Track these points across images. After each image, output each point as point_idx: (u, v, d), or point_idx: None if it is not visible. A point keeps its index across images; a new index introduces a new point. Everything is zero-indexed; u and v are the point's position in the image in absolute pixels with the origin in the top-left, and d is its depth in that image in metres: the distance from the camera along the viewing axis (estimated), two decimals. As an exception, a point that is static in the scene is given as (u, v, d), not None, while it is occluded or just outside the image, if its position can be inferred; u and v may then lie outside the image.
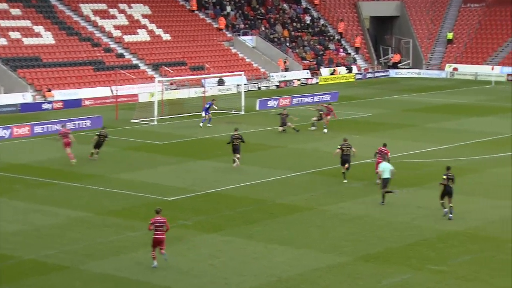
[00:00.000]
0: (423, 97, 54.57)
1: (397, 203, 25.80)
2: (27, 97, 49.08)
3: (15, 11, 56.66)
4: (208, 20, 66.54)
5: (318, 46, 68.57)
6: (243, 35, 65.49)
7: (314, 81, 63.25)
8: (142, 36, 60.78)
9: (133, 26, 61.28)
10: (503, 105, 49.83)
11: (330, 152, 33.16)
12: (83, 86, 52.36)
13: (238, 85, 55.58)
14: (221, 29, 65.57)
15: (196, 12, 66.70)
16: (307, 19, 71.55)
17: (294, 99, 50.56)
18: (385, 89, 59.60)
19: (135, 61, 58.06)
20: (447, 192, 24.09)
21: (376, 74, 68.30)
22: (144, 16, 63.00)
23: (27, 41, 54.68)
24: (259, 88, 59.00)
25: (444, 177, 24.17)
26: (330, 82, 63.97)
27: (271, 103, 49.25)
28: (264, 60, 63.76)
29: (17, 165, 31.78)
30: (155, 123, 42.80)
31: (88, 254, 20.74)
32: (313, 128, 39.96)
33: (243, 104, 46.64)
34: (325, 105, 41.93)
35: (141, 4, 63.89)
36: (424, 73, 68.86)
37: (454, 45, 71.14)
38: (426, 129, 40.58)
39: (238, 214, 24.68)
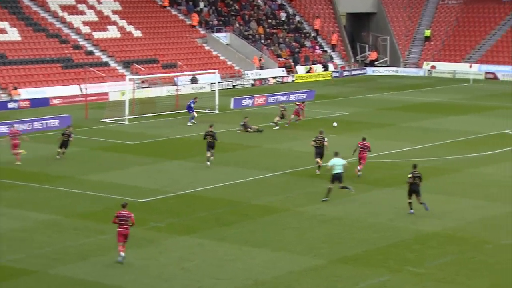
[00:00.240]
0: (401, 95, 54.97)
1: (374, 203, 25.96)
2: (-8, 95, 48.60)
3: (-20, 7, 56.09)
4: (181, 17, 66.38)
5: (293, 43, 68.75)
6: (216, 32, 65.43)
7: (290, 79, 63.41)
8: (112, 32, 60.44)
9: (103, 22, 60.90)
10: (481, 103, 50.39)
11: (306, 152, 33.28)
12: (51, 85, 51.94)
13: (211, 83, 55.50)
14: (194, 26, 65.45)
15: (168, 8, 66.50)
16: (283, 15, 71.69)
17: (269, 97, 50.62)
18: (362, 87, 59.94)
19: (105, 58, 57.71)
20: (413, 191, 24.44)
21: (353, 72, 68.67)
22: (114, 12, 62.65)
23: (-8, 37, 54.16)
24: (234, 86, 59.01)
25: (410, 175, 24.52)
26: (306, 80, 64.18)
27: (245, 102, 49.27)
28: (239, 58, 63.77)
29: (-18, 166, 31.44)
30: (126, 122, 42.60)
31: (57, 258, 20.59)
32: (276, 127, 40.29)
33: (217, 103, 46.60)
34: (299, 103, 42.23)
35: (111, 0, 63.54)
36: (402, 71, 69.37)
37: (432, 43, 71.77)
38: (403, 128, 40.89)
39: (212, 216, 24.66)
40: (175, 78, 55.16)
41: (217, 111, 45.89)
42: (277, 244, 21.83)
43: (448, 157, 33.25)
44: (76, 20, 59.67)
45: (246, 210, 25.37)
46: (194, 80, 57.66)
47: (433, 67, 68.49)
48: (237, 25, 67.59)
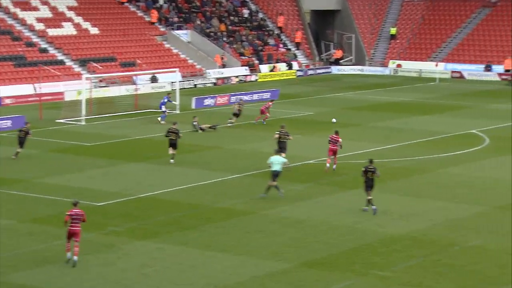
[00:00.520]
0: (366, 95, 55.48)
1: (340, 205, 26.17)
2: None
3: None
4: (140, 13, 66.05)
5: (256, 41, 68.88)
6: (177, 29, 65.26)
7: (253, 78, 63.53)
8: (67, 29, 59.87)
9: (57, 18, 60.30)
10: (448, 103, 51.11)
11: (270, 153, 33.37)
12: (2, 84, 51.27)
13: (172, 82, 55.31)
14: (153, 23, 65.17)
15: (126, 4, 66.12)
16: (245, 12, 71.79)
17: (232, 97, 50.65)
18: (327, 86, 60.33)
19: (60, 56, 57.14)
20: (367, 186, 24.99)
21: (318, 71, 69.08)
22: (70, 8, 62.08)
23: None
24: (195, 85, 58.93)
25: (363, 169, 25.12)
26: (269, 79, 64.37)
27: (207, 102, 49.24)
28: (200, 56, 63.68)
29: None
30: (83, 123, 42.26)
31: (12, 265, 20.35)
32: (230, 122, 41.14)
33: (177, 102, 46.48)
34: (269, 103, 42.44)
35: (67, -5, 63.02)
36: (367, 69, 70.00)
37: (398, 41, 72.53)
38: (369, 128, 41.26)
39: (173, 220, 24.60)
40: (134, 77, 54.86)
41: (178, 111, 45.77)
42: (240, 249, 21.87)
43: (415, 158, 33.66)
44: (29, 17, 58.97)
45: (208, 214, 25.36)
46: (154, 79, 57.43)
47: (399, 65, 69.23)
48: (198, 22, 67.49)
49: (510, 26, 69.27)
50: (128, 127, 41.48)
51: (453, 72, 66.25)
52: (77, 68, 56.54)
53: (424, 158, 33.62)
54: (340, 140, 30.65)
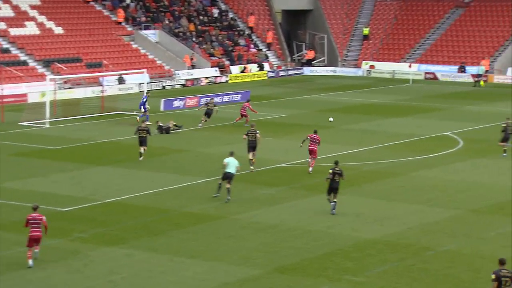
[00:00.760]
0: (339, 96, 55.75)
1: (312, 210, 26.25)
2: None
3: None
4: (106, 12, 65.71)
5: (227, 41, 68.90)
6: (144, 29, 65.02)
7: (223, 79, 63.52)
8: (30, 29, 59.34)
9: (20, 18, 59.74)
10: (422, 104, 51.55)
11: (241, 157, 33.38)
12: (-37, 85, 50.66)
13: (140, 83, 55.13)
14: (120, 22, 64.87)
15: (92, 3, 65.74)
16: (215, 12, 71.77)
17: (202, 99, 50.58)
18: (299, 88, 60.53)
19: (23, 57, 56.61)
20: (333, 188, 25.36)
21: (290, 72, 69.28)
22: (33, 7, 61.54)
23: None
24: (164, 87, 58.76)
25: (330, 171, 25.41)
26: (240, 80, 64.42)
27: (176, 104, 49.13)
28: (169, 57, 63.52)
29: None
30: (47, 125, 41.92)
31: (-28, 274, 20.10)
32: (200, 124, 41.60)
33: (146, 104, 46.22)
34: (246, 103, 42.64)
35: (30, -7, 62.51)
36: (340, 71, 70.36)
37: (371, 41, 73.02)
38: (342, 130, 41.46)
39: (141, 225, 24.50)
40: (100, 78, 54.56)
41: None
42: (211, 254, 21.84)
43: (389, 161, 33.89)
44: (-10, 16, 58.41)
45: (178, 219, 25.30)
46: (121, 81, 57.16)
47: (372, 66, 69.70)
48: (167, 22, 67.31)
49: (484, 27, 70.11)
50: (94, 129, 41.23)
51: (426, 73, 66.86)
52: (40, 69, 56.05)
53: (398, 161, 33.86)
54: (320, 139, 31.47)
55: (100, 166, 32.65)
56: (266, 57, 69.73)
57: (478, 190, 29.08)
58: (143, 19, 66.25)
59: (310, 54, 72.27)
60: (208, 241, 23.00)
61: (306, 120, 44.80)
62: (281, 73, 68.48)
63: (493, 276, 16.85)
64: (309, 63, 71.91)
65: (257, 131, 31.96)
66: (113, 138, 38.76)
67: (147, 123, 41.05)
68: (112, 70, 56.74)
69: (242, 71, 66.00)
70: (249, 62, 67.56)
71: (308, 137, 31.41)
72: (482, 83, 61.85)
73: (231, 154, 27.52)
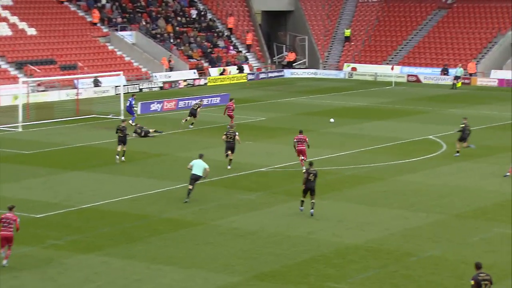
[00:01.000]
0: (320, 99, 55.92)
1: (292, 215, 26.30)
2: None
3: None
4: (81, 13, 65.46)
5: (205, 43, 68.88)
6: (121, 30, 64.85)
7: (202, 82, 63.49)
8: (2, 30, 58.99)
9: (-8, 18, 59.42)
10: (404, 108, 51.83)
11: (220, 161, 33.40)
12: None
13: (116, 86, 54.98)
14: (95, 23, 64.65)
15: (66, 3, 65.48)
16: (193, 13, 71.73)
17: (180, 102, 50.54)
18: (279, 90, 60.62)
19: (-5, 58, 56.32)
20: (308, 189, 25.64)
21: (270, 74, 69.37)
22: (5, 7, 61.18)
23: None
24: (141, 90, 58.61)
25: (304, 171, 26.01)
26: (219, 83, 64.42)
27: (154, 107, 49.02)
28: (146, 59, 63.39)
29: None
30: (20, 129, 41.69)
31: None
32: (183, 121, 42.52)
33: (122, 108, 46.16)
34: (229, 103, 42.88)
35: (2, -7, 62.16)
36: (321, 73, 70.59)
37: (352, 43, 73.33)
38: (324, 134, 41.58)
39: (118, 232, 24.42)
40: (75, 81, 54.32)
41: (122, 117, 45.43)
42: (190, 261, 21.81)
43: (371, 165, 34.03)
44: (-39, 16, 58.01)
45: (156, 225, 25.24)
46: (96, 83, 56.96)
47: (353, 69, 69.98)
48: (144, 23, 67.18)
49: (467, 28, 70.66)
50: (69, 133, 41.06)
51: (409, 75, 67.25)
52: (13, 71, 55.71)
53: (380, 165, 34.02)
54: (307, 139, 32.23)
55: (74, 171, 32.51)
56: (246, 59, 69.80)
57: (462, 194, 29.28)
58: (119, 20, 66.07)
59: (291, 56, 72.42)
60: (187, 247, 22.97)
61: (286, 123, 44.89)
62: (261, 76, 68.56)
63: (472, 282, 17.01)
64: (289, 65, 72.07)
65: (236, 132, 32.66)
66: (88, 142, 38.61)
67: (133, 124, 41.33)
68: (87, 72, 56.52)
69: (221, 74, 66.00)
70: (228, 64, 67.57)
71: (295, 139, 32.20)
72: (459, 84, 62.31)
73: (200, 157, 27.93)
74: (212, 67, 66.30)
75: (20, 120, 42.17)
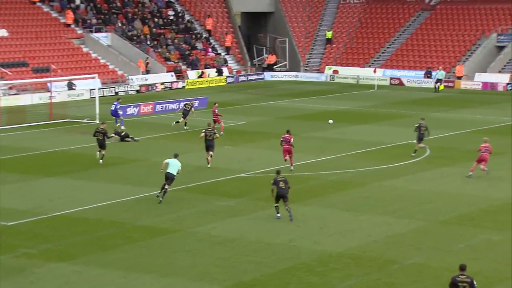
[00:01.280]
0: (302, 103, 55.99)
1: (273, 222, 26.25)
2: None
3: None
4: (54, 14, 65.15)
5: (183, 45, 68.78)
6: (96, 32, 64.59)
7: (180, 85, 63.38)
8: (-27, 31, 58.63)
9: (-38, 19, 58.98)
10: (387, 111, 52.01)
11: (199, 166, 33.33)
12: None
13: (91, 89, 54.75)
14: (69, 25, 64.37)
15: (39, 4, 65.15)
16: (170, 14, 71.64)
17: (157, 105, 50.40)
18: (259, 94, 60.65)
19: (-35, 61, 55.91)
20: (280, 195, 25.92)
21: (250, 77, 69.41)
22: (-24, 7, 60.82)
23: None
24: (117, 93, 58.41)
25: (272, 181, 26.18)
26: (198, 86, 64.35)
27: (130, 111, 48.83)
28: (122, 61, 63.18)
29: None
30: (-9, 134, 41.40)
31: None
32: (174, 123, 43.40)
33: (97, 111, 45.99)
34: (216, 111, 42.67)
35: (-27, -6, 61.74)
36: (302, 76, 70.73)
37: (334, 45, 73.55)
38: (305, 138, 41.60)
39: (92, 240, 24.26)
40: (49, 84, 54.02)
41: (97, 121, 45.22)
42: (167, 270, 21.71)
43: (353, 170, 34.08)
44: None
45: (131, 232, 25.11)
46: (70, 86, 56.68)
47: (335, 71, 70.18)
48: (119, 24, 66.96)
49: (450, 30, 71.10)
50: (41, 138, 40.81)
51: (392, 78, 67.52)
52: (-16, 74, 55.34)
53: (362, 170, 34.08)
54: (292, 139, 32.98)
55: (47, 177, 32.30)
56: (225, 61, 69.76)
57: (446, 200, 29.38)
58: (94, 21, 65.80)
59: (271, 59, 72.50)
60: (164, 256, 22.86)
61: (266, 127, 44.89)
62: (241, 79, 68.57)
63: (450, 281, 17.50)
64: (270, 68, 72.15)
65: (215, 131, 33.65)
66: (62, 148, 38.39)
67: (122, 127, 41.30)
68: (61, 75, 56.24)
69: (200, 76, 65.92)
70: (207, 67, 67.51)
71: (282, 138, 33.18)
72: (441, 87, 62.64)
73: (175, 156, 28.53)
74: (190, 70, 66.22)
75: (-9, 124, 41.88)
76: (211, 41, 71.50)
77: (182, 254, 23.06)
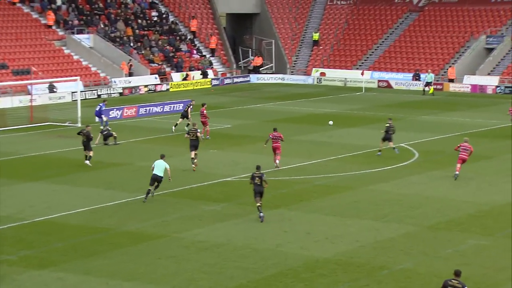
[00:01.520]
0: (288, 105, 56.06)
1: (260, 227, 26.26)
2: None
3: None
4: (34, 15, 64.93)
5: (167, 47, 68.73)
6: (77, 33, 64.44)
7: (164, 87, 63.32)
8: (-48, 32, 58.35)
9: None
10: (375, 114, 52.16)
11: (184, 170, 33.28)
12: None
13: (73, 92, 54.60)
14: (50, 26, 64.17)
15: (19, 5, 64.91)
16: (154, 15, 71.57)
17: (140, 108, 50.33)
18: (245, 96, 60.68)
19: None
20: (257, 192, 26.49)
21: (235, 80, 69.45)
22: (-45, 8, 60.53)
23: None
24: (99, 96, 58.28)
25: (251, 175, 26.72)
26: (182, 88, 64.31)
27: (113, 114, 48.73)
28: (104, 63, 63.05)
29: None
30: (-30, 138, 41.19)
31: None
32: (173, 128, 43.55)
33: (79, 115, 45.87)
34: (202, 108, 42.53)
35: (-49, -6, 61.46)
36: (289, 78, 70.83)
37: (321, 47, 73.71)
38: (292, 142, 41.63)
39: (74, 246, 24.18)
40: (29, 87, 53.81)
41: (79, 124, 45.11)
42: (151, 276, 21.66)
43: (341, 174, 34.14)
44: None
45: (114, 238, 25.04)
46: (51, 89, 56.50)
47: (322, 74, 70.32)
48: (102, 26, 66.82)
49: (439, 32, 71.40)
50: (22, 142, 40.65)
51: (380, 81, 67.74)
52: (-37, 76, 55.10)
53: (350, 174, 34.14)
54: (282, 135, 33.90)
55: (28, 182, 32.17)
56: (210, 63, 69.76)
57: (435, 204, 29.48)
58: (76, 22, 65.63)
59: (257, 61, 72.56)
60: (148, 262, 22.81)
61: (253, 130, 44.91)
62: (226, 81, 68.58)
63: (441, 285, 17.72)
64: (256, 70, 72.21)
65: (198, 130, 34.42)
66: (43, 152, 38.25)
67: (109, 128, 41.29)
68: (42, 77, 56.03)
69: (184, 79, 65.89)
70: (191, 69, 67.47)
71: (270, 136, 34.23)
72: (431, 90, 62.89)
73: (162, 157, 28.98)
74: (174, 72, 66.17)
75: (-30, 128, 41.68)
76: (196, 42, 71.50)
77: (167, 260, 23.02)
